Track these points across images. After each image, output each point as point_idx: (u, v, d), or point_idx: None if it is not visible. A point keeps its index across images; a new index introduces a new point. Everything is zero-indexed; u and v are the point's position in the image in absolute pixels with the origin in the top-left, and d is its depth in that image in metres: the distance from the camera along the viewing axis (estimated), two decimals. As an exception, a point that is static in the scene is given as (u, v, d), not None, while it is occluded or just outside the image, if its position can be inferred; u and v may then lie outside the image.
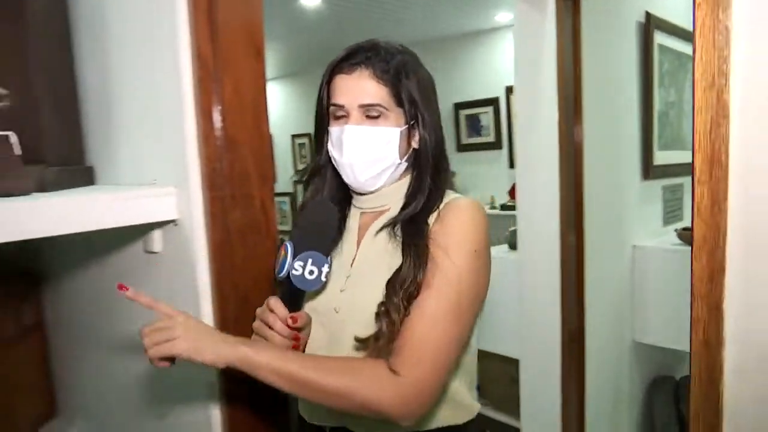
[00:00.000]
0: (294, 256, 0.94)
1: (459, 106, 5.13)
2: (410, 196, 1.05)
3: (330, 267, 0.96)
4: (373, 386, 0.89)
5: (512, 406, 2.56)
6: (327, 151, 1.07)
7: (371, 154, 1.01)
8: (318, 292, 1.04)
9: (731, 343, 0.99)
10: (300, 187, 6.67)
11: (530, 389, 2.18)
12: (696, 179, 0.96)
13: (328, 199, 1.09)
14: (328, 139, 1.07)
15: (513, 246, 2.52)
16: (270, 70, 6.30)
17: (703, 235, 0.95)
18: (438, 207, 1.03)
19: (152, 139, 1.24)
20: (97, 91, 1.38)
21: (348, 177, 1.05)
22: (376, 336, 0.95)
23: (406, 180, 1.08)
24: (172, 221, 1.16)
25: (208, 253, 1.12)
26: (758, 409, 0.98)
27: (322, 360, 0.95)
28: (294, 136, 6.56)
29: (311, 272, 0.94)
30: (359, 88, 1.00)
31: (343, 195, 1.13)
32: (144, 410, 1.43)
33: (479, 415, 1.10)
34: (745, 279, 0.96)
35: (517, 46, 2.11)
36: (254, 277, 1.16)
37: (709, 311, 0.96)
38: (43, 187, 1.08)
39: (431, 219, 1.02)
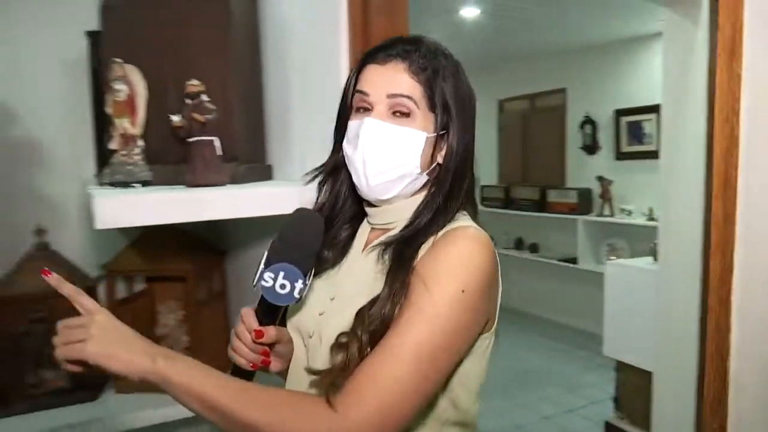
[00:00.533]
0: (266, 266, 0.87)
1: (620, 113, 4.97)
2: (414, 216, 0.95)
3: (306, 284, 0.87)
4: (300, 426, 0.76)
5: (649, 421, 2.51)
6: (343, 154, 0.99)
7: (389, 155, 0.91)
8: (302, 311, 0.98)
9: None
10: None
11: (662, 404, 2.15)
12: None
13: (350, 212, 1.03)
14: (345, 138, 0.98)
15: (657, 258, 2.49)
16: (431, 75, 6.55)
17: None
18: (436, 234, 0.91)
19: (318, 143, 1.49)
20: (277, 102, 1.68)
21: (358, 178, 0.94)
22: (329, 370, 0.84)
23: (418, 198, 0.97)
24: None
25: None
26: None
27: (251, 389, 0.81)
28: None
29: (282, 286, 0.86)
30: (391, 79, 0.91)
31: (359, 208, 1.04)
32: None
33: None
34: None
35: (665, 55, 2.09)
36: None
37: None
38: (235, 181, 1.38)
39: (426, 245, 0.90)
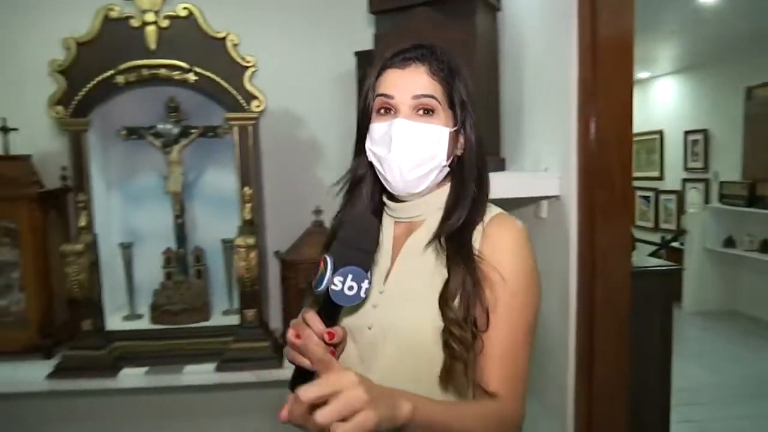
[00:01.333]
0: (334, 271, 0.88)
1: None
2: (452, 207, 1.02)
3: (370, 283, 0.90)
4: (499, 423, 0.93)
5: None
6: (366, 157, 1.04)
7: (422, 151, 0.98)
8: (351, 308, 1.00)
9: None
10: (688, 185, 6.39)
11: None
12: None
13: (369, 210, 1.07)
14: (369, 140, 1.02)
15: None
16: (664, 64, 6.21)
17: None
18: (482, 220, 1.01)
19: (547, 140, 1.73)
20: (511, 102, 1.94)
21: (393, 175, 0.99)
22: (451, 361, 0.93)
23: (445, 189, 1.05)
24: (555, 197, 1.63)
25: (578, 220, 1.55)
26: None
27: (465, 407, 0.94)
28: (687, 133, 6.30)
29: (350, 288, 0.88)
30: (413, 81, 0.98)
31: (380, 204, 1.10)
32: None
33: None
34: None
35: None
36: (611, 240, 1.53)
37: None
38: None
39: (476, 233, 1.00)
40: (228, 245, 2.41)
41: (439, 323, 0.93)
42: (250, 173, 2.23)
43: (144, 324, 2.36)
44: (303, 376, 0.91)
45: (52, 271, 2.30)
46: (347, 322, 1.00)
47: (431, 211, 1.04)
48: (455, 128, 1.01)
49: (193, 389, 2.27)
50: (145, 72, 2.14)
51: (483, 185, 1.03)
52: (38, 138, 2.39)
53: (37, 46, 2.26)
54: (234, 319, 2.34)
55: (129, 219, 2.50)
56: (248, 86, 2.17)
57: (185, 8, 2.14)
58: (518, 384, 0.96)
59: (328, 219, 2.46)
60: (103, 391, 2.24)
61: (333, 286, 0.88)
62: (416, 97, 0.97)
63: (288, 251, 2.42)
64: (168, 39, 2.14)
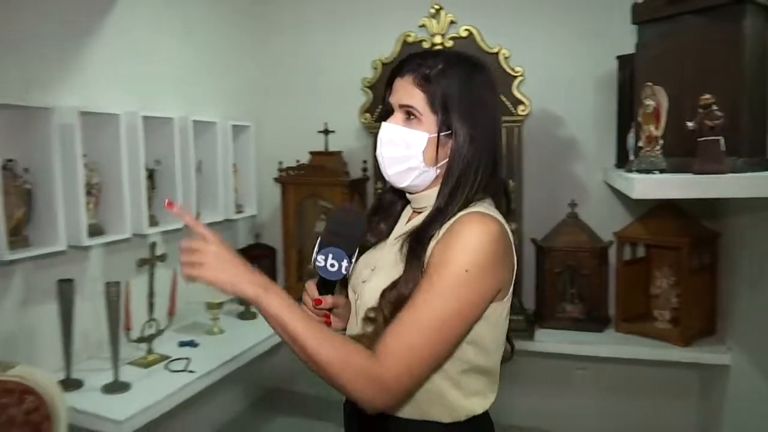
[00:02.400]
0: (318, 251, 1.09)
1: None
2: (435, 206, 1.09)
3: (351, 262, 1.09)
4: (355, 376, 0.95)
5: None
6: None
7: (396, 152, 1.09)
8: (354, 278, 1.18)
9: None
10: None
11: None
12: None
13: (397, 196, 1.22)
14: None
15: None
16: None
17: None
18: (448, 222, 1.04)
19: None
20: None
21: (383, 169, 1.13)
22: (362, 335, 1.06)
23: (437, 188, 1.12)
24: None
25: None
26: None
27: (326, 333, 0.99)
28: None
29: (332, 265, 1.08)
30: (403, 90, 1.09)
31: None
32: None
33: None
34: None
35: None
36: None
37: None
38: (734, 170, 1.75)
39: (441, 231, 1.04)
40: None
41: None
42: (514, 168, 2.56)
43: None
44: None
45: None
46: (352, 289, 1.19)
47: (428, 206, 1.12)
48: (442, 133, 1.06)
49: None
50: (432, 84, 2.61)
51: (457, 190, 1.06)
52: (347, 138, 3.07)
53: (352, 67, 2.89)
54: (492, 295, 2.71)
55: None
56: (516, 93, 2.51)
57: (466, 29, 2.56)
58: (402, 356, 0.96)
59: (582, 212, 2.68)
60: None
61: (317, 262, 1.08)
62: (401, 105, 1.09)
63: (544, 239, 2.70)
64: (451, 56, 2.59)
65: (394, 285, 1.04)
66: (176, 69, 2.71)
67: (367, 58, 2.75)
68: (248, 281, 0.96)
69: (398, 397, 1.01)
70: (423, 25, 2.61)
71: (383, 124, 1.12)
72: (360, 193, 3.02)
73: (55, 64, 2.10)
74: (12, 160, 1.85)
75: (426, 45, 2.60)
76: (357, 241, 1.12)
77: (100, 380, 2.03)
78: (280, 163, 2.99)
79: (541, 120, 2.76)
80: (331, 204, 2.91)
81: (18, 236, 1.88)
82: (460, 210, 1.05)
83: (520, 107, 2.51)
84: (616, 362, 2.60)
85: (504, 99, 2.50)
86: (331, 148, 3.01)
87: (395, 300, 1.02)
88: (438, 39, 2.58)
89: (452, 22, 2.58)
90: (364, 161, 3.00)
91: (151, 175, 2.40)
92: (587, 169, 2.80)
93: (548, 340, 2.57)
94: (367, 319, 1.07)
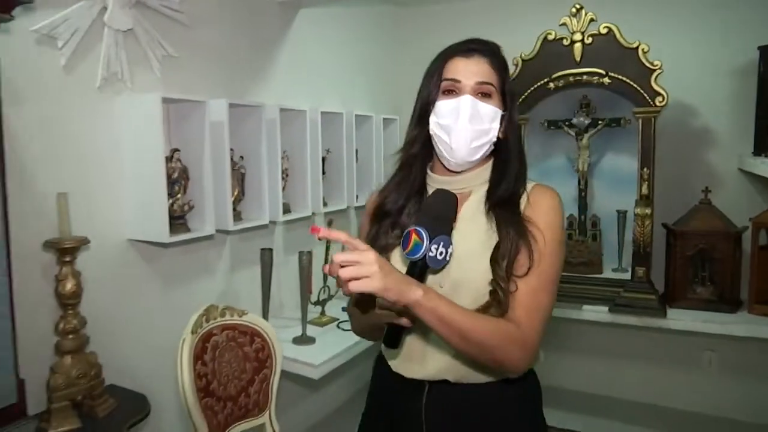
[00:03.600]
0: (429, 241, 1.04)
1: None
2: (497, 180, 1.18)
3: (453, 247, 1.08)
4: (507, 344, 1.05)
5: None
6: (423, 128, 1.21)
7: (481, 124, 1.15)
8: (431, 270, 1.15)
9: None
10: None
11: None
12: None
13: (417, 182, 1.24)
14: (434, 114, 1.18)
15: None
16: None
17: None
18: (525, 191, 1.18)
19: None
20: None
21: (459, 144, 1.15)
22: (490, 303, 1.10)
23: (487, 166, 1.22)
24: None
25: None
26: None
27: (474, 314, 1.06)
28: None
29: (441, 253, 1.05)
30: (477, 68, 1.15)
31: (423, 179, 1.25)
32: None
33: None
34: None
35: None
36: None
37: None
38: None
39: (522, 200, 1.17)
40: (621, 215, 2.96)
41: (489, 276, 1.12)
42: (649, 157, 2.72)
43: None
44: (396, 331, 1.10)
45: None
46: (428, 282, 1.14)
47: (476, 184, 1.21)
48: (504, 113, 1.18)
49: (588, 323, 2.93)
50: (570, 78, 2.82)
51: (522, 165, 1.20)
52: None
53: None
54: (622, 275, 2.90)
55: (540, 190, 3.27)
56: (654, 85, 2.66)
57: (606, 26, 2.74)
58: (537, 316, 1.09)
59: (715, 198, 2.80)
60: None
61: (430, 253, 1.05)
62: (479, 83, 1.15)
63: (676, 223, 2.84)
64: (590, 52, 2.77)
65: (497, 251, 1.11)
66: (338, 73, 3.11)
67: (506, 55, 2.97)
68: (408, 284, 0.98)
69: (535, 356, 1.13)
70: (563, 24, 2.81)
71: (465, 96, 1.14)
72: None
73: (255, 72, 2.53)
74: (232, 150, 2.27)
75: (566, 43, 2.81)
76: (452, 222, 1.14)
77: (288, 334, 2.43)
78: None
79: (674, 110, 2.89)
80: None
81: (234, 212, 2.30)
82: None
83: (658, 98, 2.66)
84: (747, 343, 2.72)
85: (642, 91, 2.67)
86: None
87: (512, 260, 1.11)
88: (578, 36, 2.78)
89: (592, 20, 2.77)
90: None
91: (322, 162, 2.79)
92: (721, 157, 2.91)
93: (681, 318, 2.72)
94: (492, 291, 1.11)
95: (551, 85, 2.86)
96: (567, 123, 3.03)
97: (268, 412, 2.04)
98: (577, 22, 2.78)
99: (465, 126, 1.14)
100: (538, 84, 2.89)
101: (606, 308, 2.82)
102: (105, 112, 1.89)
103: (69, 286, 1.65)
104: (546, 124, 3.10)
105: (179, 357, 1.78)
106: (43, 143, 1.71)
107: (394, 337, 1.11)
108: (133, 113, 1.91)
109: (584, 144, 2.98)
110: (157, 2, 2.00)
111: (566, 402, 3.22)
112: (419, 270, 1.07)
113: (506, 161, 1.19)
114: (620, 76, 2.71)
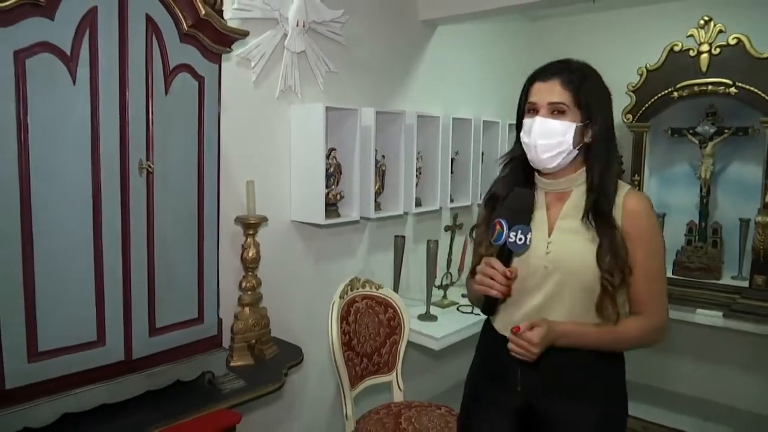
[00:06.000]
0: (509, 228, 1.33)
1: None
2: (591, 183, 1.39)
3: (531, 234, 1.33)
4: (648, 336, 1.42)
5: None
6: (520, 141, 1.44)
7: (550, 139, 1.37)
8: (532, 253, 1.40)
9: None
10: None
11: None
12: None
13: (521, 179, 1.47)
14: (521, 130, 1.43)
15: None
16: None
17: None
18: (620, 195, 1.39)
19: None
20: None
21: (531, 156, 1.41)
22: (603, 298, 1.35)
23: (584, 170, 1.42)
24: None
25: None
26: None
27: (608, 328, 1.38)
28: None
29: (520, 239, 1.32)
30: (550, 90, 1.38)
31: (527, 177, 1.48)
32: None
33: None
34: None
35: None
36: None
37: None
38: None
39: (616, 207, 1.37)
40: (744, 224, 2.99)
41: (597, 271, 1.36)
42: (774, 161, 2.75)
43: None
44: (490, 301, 1.41)
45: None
46: (529, 262, 1.42)
47: (576, 185, 1.44)
48: (583, 123, 1.38)
49: (701, 327, 3.00)
50: (695, 89, 2.91)
51: (611, 169, 1.40)
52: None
53: (621, 73, 3.25)
54: (740, 283, 2.93)
55: (662, 196, 3.36)
56: (784, 96, 2.69)
57: (735, 37, 2.80)
58: (659, 299, 1.42)
59: None
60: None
61: (509, 239, 1.33)
62: (551, 103, 1.38)
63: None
64: (717, 62, 2.85)
65: (600, 249, 1.35)
66: (468, 80, 3.43)
67: (630, 65, 3.12)
68: (553, 341, 1.36)
69: (668, 328, 1.47)
70: (690, 35, 2.91)
71: (537, 118, 1.39)
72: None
73: (398, 83, 2.93)
74: (376, 150, 2.68)
75: (692, 54, 2.90)
76: (531, 216, 1.40)
77: (414, 311, 2.77)
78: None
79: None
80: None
81: (375, 202, 2.71)
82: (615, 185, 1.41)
83: (787, 107, 2.68)
84: None
85: (770, 101, 2.71)
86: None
87: (616, 263, 1.35)
88: (705, 47, 2.86)
89: (720, 32, 2.84)
90: (621, 156, 3.37)
91: (451, 162, 3.12)
92: None
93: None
94: (603, 284, 1.36)
95: (675, 94, 2.97)
96: (691, 131, 3.10)
97: (395, 372, 2.43)
98: (705, 33, 2.87)
99: (535, 142, 1.39)
100: (662, 93, 3.01)
101: (720, 313, 2.88)
102: (281, 118, 2.37)
103: (251, 253, 2.13)
104: (670, 131, 3.19)
105: (330, 316, 2.21)
106: (238, 141, 2.22)
107: (490, 306, 1.43)
108: (302, 119, 2.37)
109: (708, 152, 3.04)
110: (324, 28, 2.45)
111: (670, 402, 3.31)
112: (505, 255, 1.36)
113: (594, 165, 1.41)
114: (749, 86, 2.76)
